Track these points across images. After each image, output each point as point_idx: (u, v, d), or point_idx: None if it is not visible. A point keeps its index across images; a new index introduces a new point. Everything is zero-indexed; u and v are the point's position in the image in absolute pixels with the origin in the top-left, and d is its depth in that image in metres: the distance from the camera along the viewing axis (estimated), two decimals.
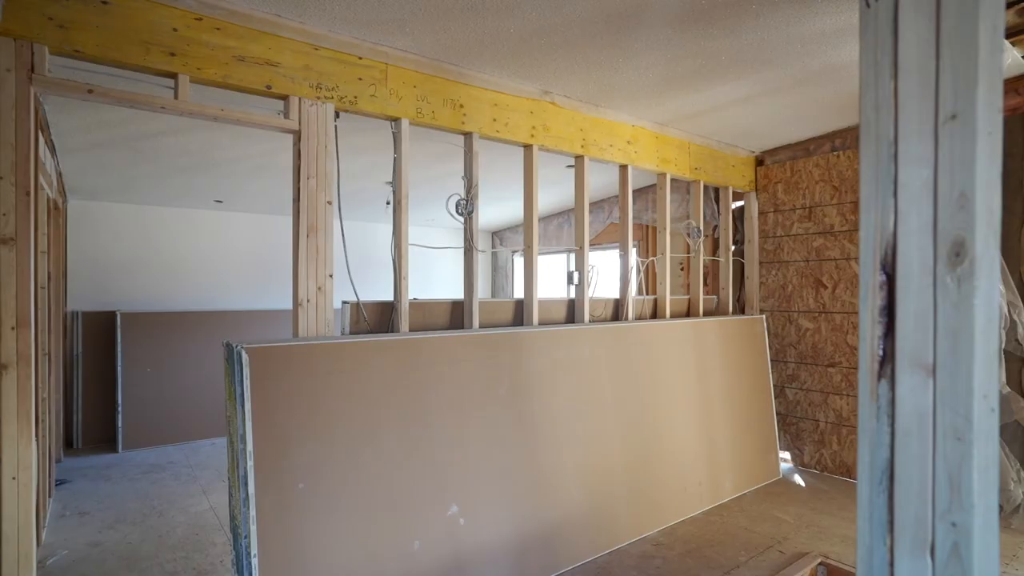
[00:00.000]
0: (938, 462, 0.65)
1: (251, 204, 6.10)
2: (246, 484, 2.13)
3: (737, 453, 4.08)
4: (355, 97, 2.68)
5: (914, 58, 0.67)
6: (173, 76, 2.23)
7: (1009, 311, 3.52)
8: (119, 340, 5.31)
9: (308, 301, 2.54)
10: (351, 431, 2.40)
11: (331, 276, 2.62)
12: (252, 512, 2.11)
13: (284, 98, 2.52)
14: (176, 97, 2.23)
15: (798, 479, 4.36)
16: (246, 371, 2.16)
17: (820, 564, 3.00)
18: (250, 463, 2.14)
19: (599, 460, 3.23)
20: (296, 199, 2.54)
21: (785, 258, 4.68)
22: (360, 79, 2.69)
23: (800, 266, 4.59)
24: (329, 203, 2.62)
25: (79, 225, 5.60)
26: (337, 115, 2.66)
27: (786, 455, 4.69)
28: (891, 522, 0.69)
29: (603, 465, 3.24)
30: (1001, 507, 3.54)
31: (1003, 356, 3.56)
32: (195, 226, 6.23)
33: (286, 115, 2.52)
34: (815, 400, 4.50)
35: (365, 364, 2.48)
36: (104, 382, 5.49)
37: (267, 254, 6.63)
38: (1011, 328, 3.52)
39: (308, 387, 2.31)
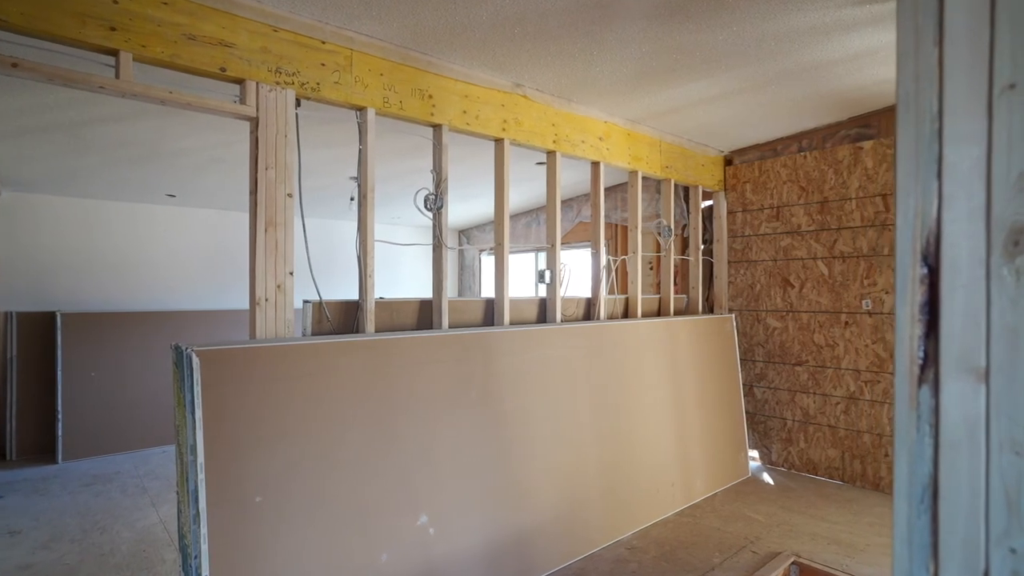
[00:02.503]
0: (992, 479, 0.58)
1: (207, 199, 5.80)
2: (196, 500, 1.95)
3: (708, 452, 4.07)
4: (317, 84, 2.52)
5: (963, 21, 0.60)
6: (114, 53, 2.03)
7: None
8: (59, 342, 4.95)
9: (266, 300, 2.37)
10: (314, 439, 2.24)
11: (291, 274, 2.45)
12: (203, 530, 1.94)
13: (240, 82, 2.34)
14: (118, 76, 2.03)
15: (767, 477, 4.38)
16: (197, 376, 1.98)
17: (793, 563, 2.99)
18: (201, 476, 1.96)
19: (572, 463, 3.15)
20: (253, 191, 2.37)
21: (753, 257, 4.71)
22: (323, 64, 2.53)
23: (768, 265, 4.63)
24: (289, 196, 2.45)
25: (14, 219, 5.20)
26: (298, 103, 2.50)
27: (755, 453, 4.72)
28: (935, 546, 0.61)
29: (576, 468, 3.16)
30: None
31: None
32: (146, 221, 5.87)
33: (242, 100, 2.34)
34: (783, 399, 4.54)
35: (329, 367, 2.33)
36: (42, 387, 5.11)
37: (224, 252, 6.32)
38: None
39: (266, 392, 2.15)
